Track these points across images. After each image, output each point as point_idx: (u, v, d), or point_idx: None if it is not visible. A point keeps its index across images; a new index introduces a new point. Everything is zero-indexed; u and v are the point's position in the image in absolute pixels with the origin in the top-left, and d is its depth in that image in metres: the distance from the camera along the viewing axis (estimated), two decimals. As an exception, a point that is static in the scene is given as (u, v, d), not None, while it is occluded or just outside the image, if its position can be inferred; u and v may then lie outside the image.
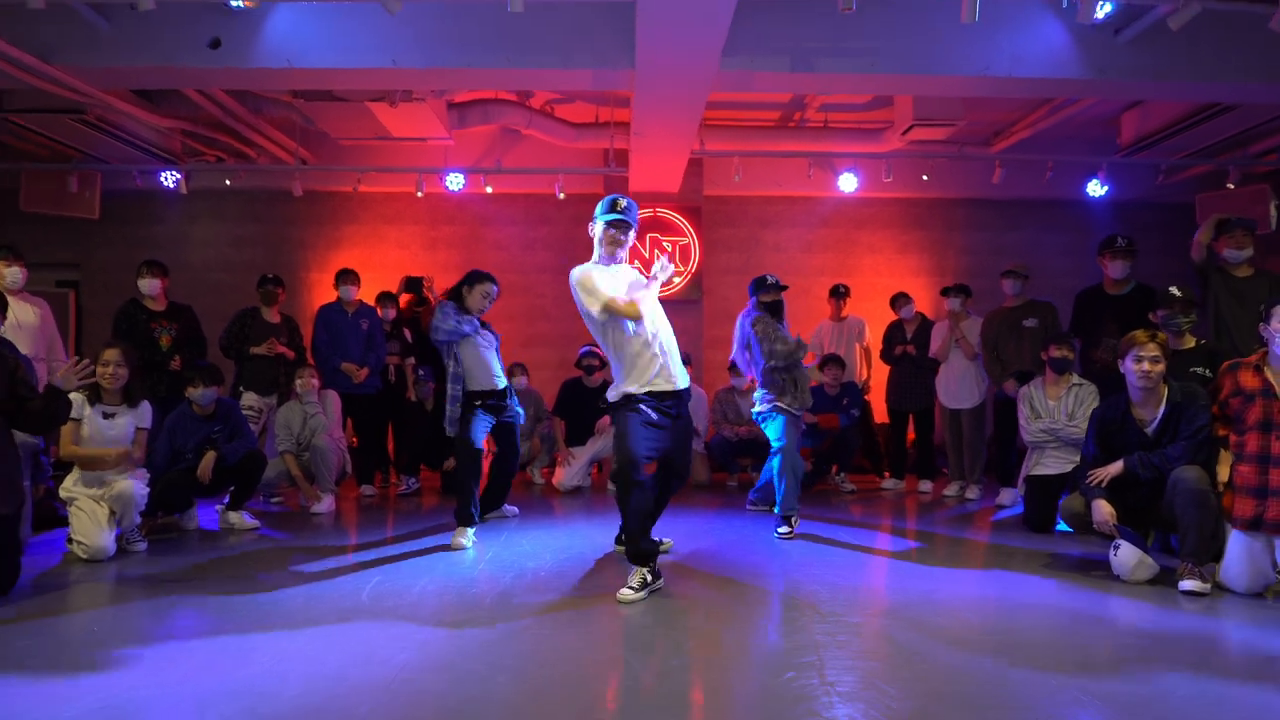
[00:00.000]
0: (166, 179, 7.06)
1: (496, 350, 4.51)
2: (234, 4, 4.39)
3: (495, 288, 4.47)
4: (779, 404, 4.45)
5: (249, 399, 5.56)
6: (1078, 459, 4.09)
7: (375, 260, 7.85)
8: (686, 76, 4.86)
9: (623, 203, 3.40)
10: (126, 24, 4.72)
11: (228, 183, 7.43)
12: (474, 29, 4.82)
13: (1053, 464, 4.65)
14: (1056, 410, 4.66)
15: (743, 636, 2.76)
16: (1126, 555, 3.40)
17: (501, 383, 4.45)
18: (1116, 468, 3.50)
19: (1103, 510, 3.47)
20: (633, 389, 3.30)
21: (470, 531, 4.16)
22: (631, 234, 3.44)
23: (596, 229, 3.43)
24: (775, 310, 4.60)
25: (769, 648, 2.63)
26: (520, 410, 4.70)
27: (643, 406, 3.27)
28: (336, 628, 2.75)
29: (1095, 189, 7.27)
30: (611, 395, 3.38)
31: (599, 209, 3.42)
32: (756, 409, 4.61)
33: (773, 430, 4.51)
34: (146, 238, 7.84)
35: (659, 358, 3.33)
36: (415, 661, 2.42)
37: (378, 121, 6.39)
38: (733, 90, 5.56)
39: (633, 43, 4.50)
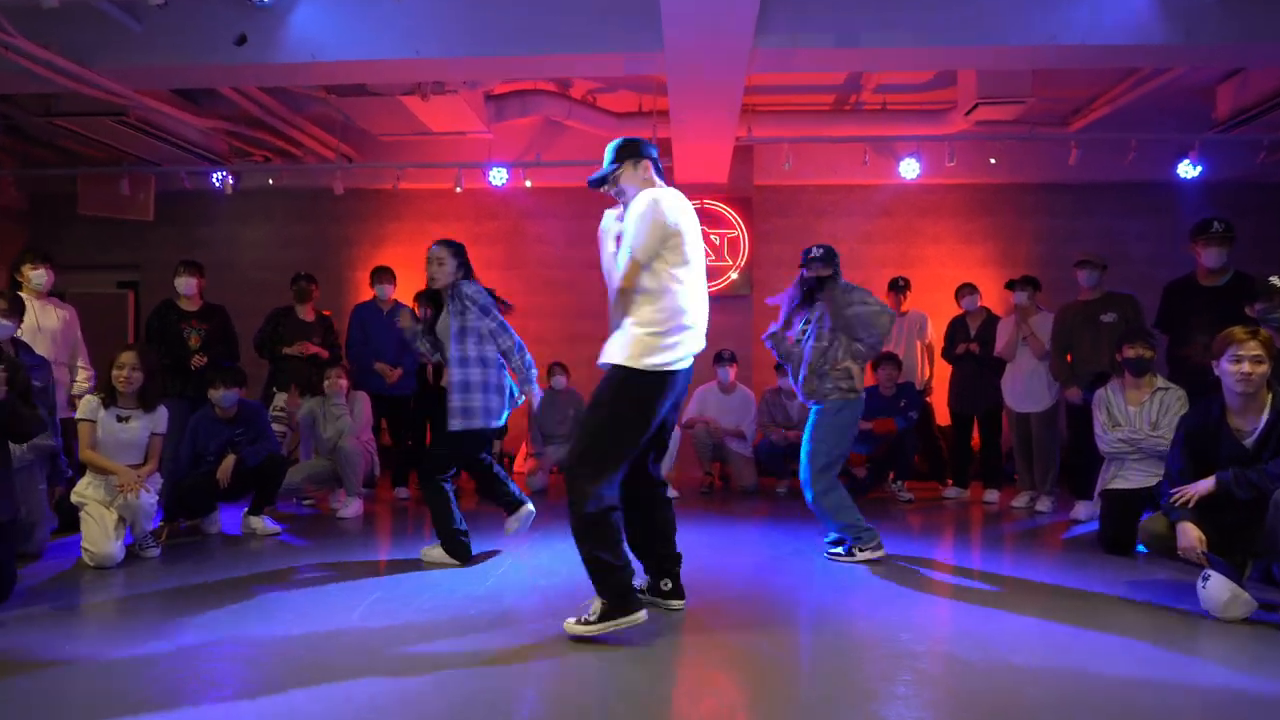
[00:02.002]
0: (215, 179, 7.13)
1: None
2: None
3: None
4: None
5: (281, 400, 5.50)
6: (1162, 472, 3.62)
7: (420, 257, 7.73)
8: (719, 55, 4.53)
9: (608, 154, 2.89)
10: (156, 24, 4.70)
11: (270, 182, 7.44)
12: (496, 16, 4.61)
13: (1134, 477, 4.15)
14: (1137, 417, 4.16)
15: (776, 671, 2.45)
16: (1217, 589, 2.93)
17: None
18: (1207, 485, 3.05)
19: (1190, 535, 3.01)
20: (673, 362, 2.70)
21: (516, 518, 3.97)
22: (607, 188, 2.91)
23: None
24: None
25: (800, 684, 2.32)
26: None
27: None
28: (314, 649, 2.56)
29: (1186, 170, 6.58)
30: (647, 360, 2.66)
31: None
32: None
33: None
34: (199, 239, 7.95)
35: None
36: (370, 689, 2.20)
37: (414, 117, 6.27)
38: (772, 70, 5.20)
39: (659, 22, 4.20)
